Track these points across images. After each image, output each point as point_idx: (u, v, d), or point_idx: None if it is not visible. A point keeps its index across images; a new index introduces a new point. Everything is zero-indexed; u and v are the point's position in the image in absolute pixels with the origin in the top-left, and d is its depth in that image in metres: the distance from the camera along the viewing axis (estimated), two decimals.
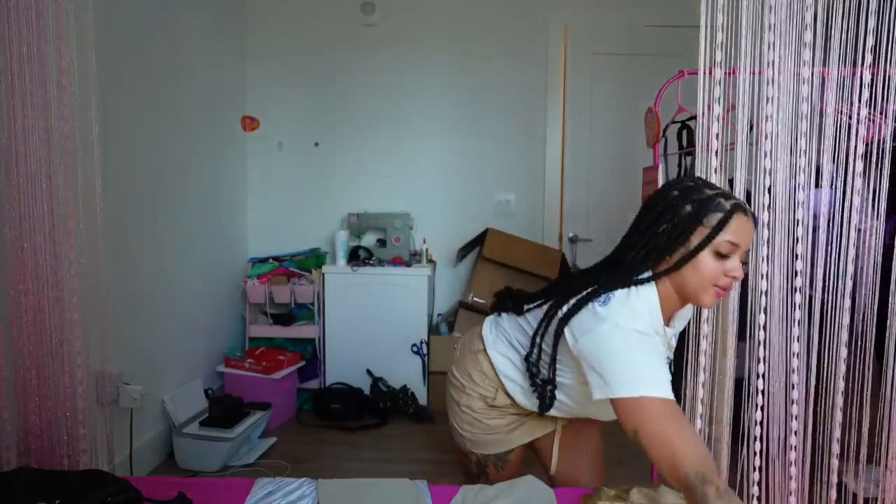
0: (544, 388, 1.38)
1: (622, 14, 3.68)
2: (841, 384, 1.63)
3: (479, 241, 3.56)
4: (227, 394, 3.00)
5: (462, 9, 3.69)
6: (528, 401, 1.47)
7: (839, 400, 1.64)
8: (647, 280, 1.24)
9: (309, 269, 3.52)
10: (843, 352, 1.63)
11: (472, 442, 1.57)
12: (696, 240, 1.20)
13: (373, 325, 3.42)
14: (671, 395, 1.14)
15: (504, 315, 1.53)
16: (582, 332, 1.21)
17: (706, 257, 1.20)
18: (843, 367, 1.63)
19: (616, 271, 1.26)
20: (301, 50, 3.71)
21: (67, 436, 1.82)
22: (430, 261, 3.66)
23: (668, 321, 1.33)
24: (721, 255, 1.19)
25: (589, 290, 1.25)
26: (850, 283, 1.61)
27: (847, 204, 1.60)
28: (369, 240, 3.72)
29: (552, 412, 1.44)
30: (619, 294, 1.22)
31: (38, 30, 1.68)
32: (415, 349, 3.45)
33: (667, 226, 1.22)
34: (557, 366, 1.35)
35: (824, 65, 1.56)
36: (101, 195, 1.82)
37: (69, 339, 1.80)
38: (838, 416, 1.64)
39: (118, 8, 2.42)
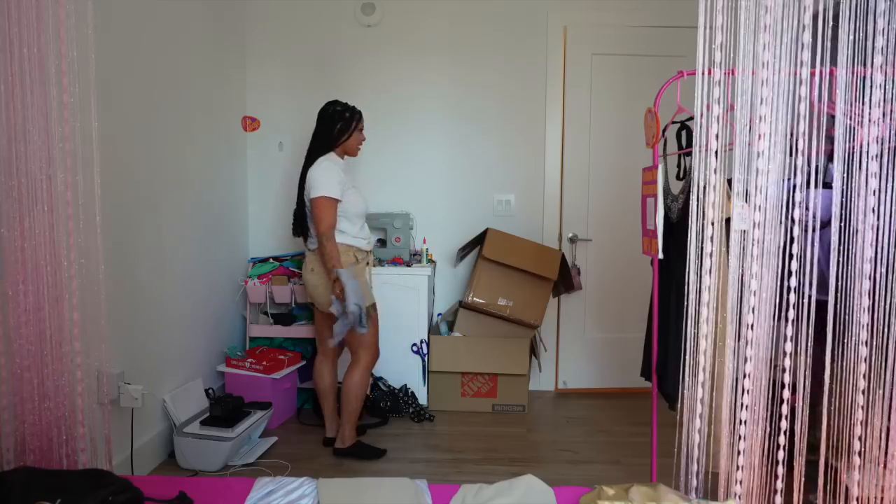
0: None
1: (622, 14, 3.68)
2: (862, 383, 1.63)
3: (479, 240, 3.56)
4: (228, 393, 3.01)
5: (462, 9, 3.70)
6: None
7: (860, 399, 1.64)
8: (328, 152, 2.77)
9: None
10: (864, 351, 1.63)
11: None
12: (353, 128, 2.79)
13: None
14: (336, 195, 2.65)
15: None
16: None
17: (356, 133, 2.80)
18: (863, 367, 1.63)
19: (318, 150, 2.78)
20: (301, 50, 3.72)
21: (67, 435, 1.82)
22: (431, 261, 3.66)
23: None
24: (360, 130, 2.82)
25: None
26: (867, 283, 1.61)
27: (862, 204, 1.60)
28: None
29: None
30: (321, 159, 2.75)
31: (39, 30, 1.68)
32: (415, 349, 3.45)
33: (340, 125, 2.76)
34: None
35: (822, 65, 1.56)
36: (100, 195, 1.82)
37: (69, 339, 1.80)
38: (859, 414, 1.64)
39: (118, 9, 2.42)
